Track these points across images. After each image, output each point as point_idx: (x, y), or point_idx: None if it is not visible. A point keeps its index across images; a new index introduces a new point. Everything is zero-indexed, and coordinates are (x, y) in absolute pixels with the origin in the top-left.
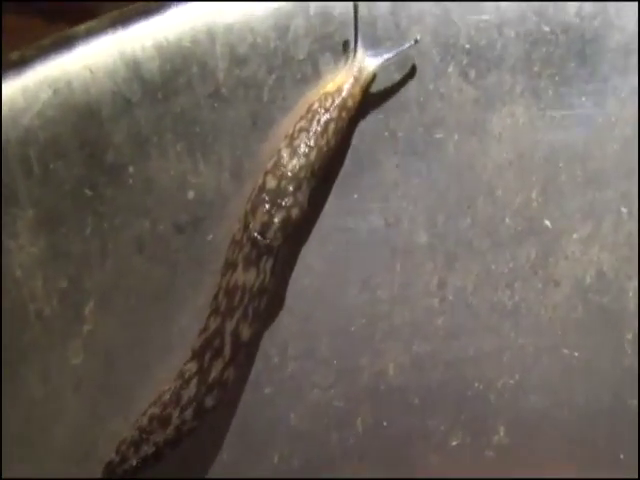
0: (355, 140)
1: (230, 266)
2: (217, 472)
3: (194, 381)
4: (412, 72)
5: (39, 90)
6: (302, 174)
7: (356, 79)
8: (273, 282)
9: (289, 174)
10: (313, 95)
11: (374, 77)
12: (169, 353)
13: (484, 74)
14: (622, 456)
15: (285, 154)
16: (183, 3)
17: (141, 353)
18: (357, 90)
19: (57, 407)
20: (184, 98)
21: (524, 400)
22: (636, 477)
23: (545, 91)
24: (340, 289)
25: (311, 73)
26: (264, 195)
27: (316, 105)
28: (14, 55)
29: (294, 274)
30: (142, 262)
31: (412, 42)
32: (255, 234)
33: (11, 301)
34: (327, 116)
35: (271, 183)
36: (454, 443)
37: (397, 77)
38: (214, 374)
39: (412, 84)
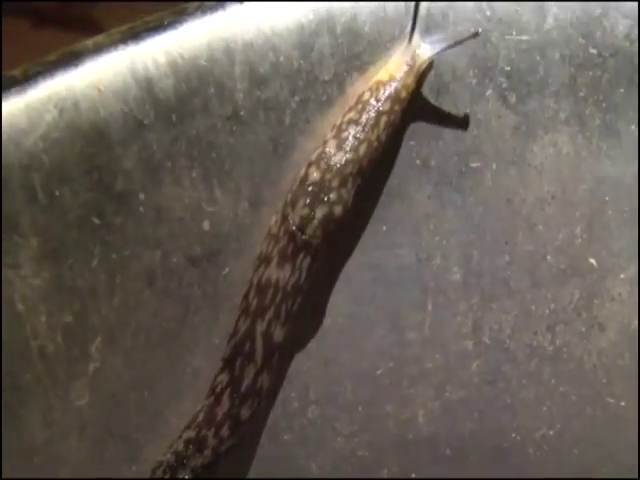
0: (384, 169)
1: (264, 260)
2: None
3: (226, 394)
4: (447, 96)
5: (44, 110)
6: (348, 169)
7: (410, 67)
8: (310, 286)
9: (334, 168)
10: (363, 84)
11: (429, 67)
12: (180, 396)
13: (525, 99)
14: None
15: (331, 146)
16: (200, 16)
17: (150, 396)
18: (411, 79)
19: (60, 452)
20: (200, 120)
21: (565, 453)
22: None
23: (591, 118)
24: (366, 330)
25: (337, 95)
26: (306, 187)
27: (367, 95)
28: (17, 71)
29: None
30: (152, 297)
31: (472, 33)
32: (293, 228)
33: (12, 337)
34: (379, 108)
35: (314, 175)
36: None
37: (431, 100)
38: (247, 382)
39: (447, 109)
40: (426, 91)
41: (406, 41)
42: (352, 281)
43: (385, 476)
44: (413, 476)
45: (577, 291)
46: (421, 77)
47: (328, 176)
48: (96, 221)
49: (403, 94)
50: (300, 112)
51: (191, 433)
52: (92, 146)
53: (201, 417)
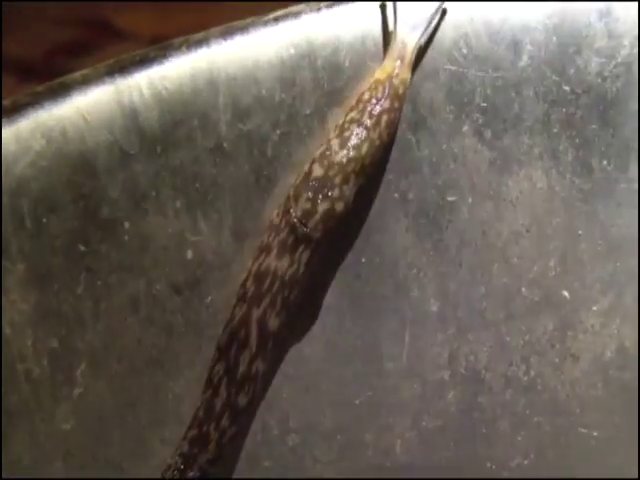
0: (363, 201)
1: (264, 249)
2: None
3: (223, 383)
4: (424, 130)
5: (32, 139)
6: (350, 167)
7: (402, 60)
8: (306, 279)
9: (337, 165)
10: (362, 85)
11: (419, 55)
12: (162, 422)
13: (500, 134)
14: None
15: (334, 144)
16: (185, 51)
17: (133, 421)
18: (406, 73)
19: (45, 476)
20: (184, 152)
21: None
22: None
23: (565, 154)
24: (345, 359)
25: (318, 129)
26: (309, 182)
27: (367, 95)
28: (7, 102)
29: (297, 343)
30: (136, 324)
31: (440, 8)
32: (295, 220)
33: None
34: (379, 107)
35: (318, 171)
36: None
37: (409, 136)
38: (242, 369)
39: (424, 143)
40: (404, 125)
41: (392, 38)
42: (332, 311)
43: None
44: None
45: (551, 323)
46: (414, 68)
47: (331, 173)
48: (82, 248)
49: (401, 90)
50: (282, 145)
51: (194, 432)
52: (79, 175)
53: (201, 413)
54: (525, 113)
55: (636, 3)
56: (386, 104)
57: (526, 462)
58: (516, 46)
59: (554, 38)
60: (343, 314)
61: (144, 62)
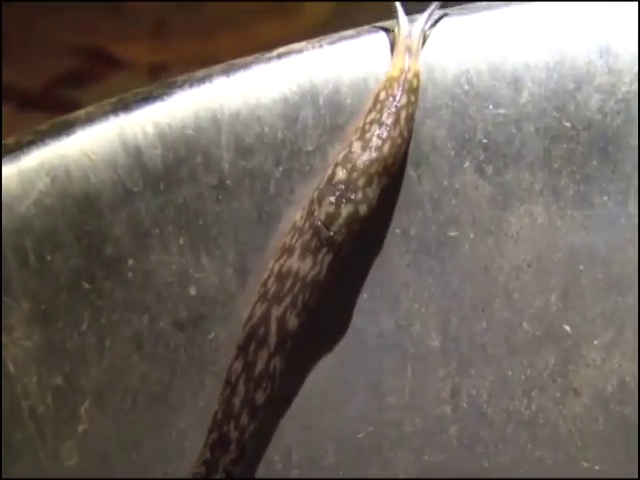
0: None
1: (286, 251)
2: None
3: (241, 380)
4: (426, 166)
5: (36, 177)
6: (374, 169)
7: (410, 52)
8: (328, 282)
9: (360, 168)
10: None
11: (424, 42)
12: (166, 458)
13: (501, 170)
14: None
15: (356, 147)
16: (187, 88)
17: (137, 457)
18: (416, 65)
19: None
20: (187, 189)
21: None
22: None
23: (565, 190)
24: (347, 394)
25: (320, 166)
26: (333, 185)
27: (383, 95)
28: (10, 140)
29: (298, 377)
30: (140, 360)
31: None
32: (319, 223)
33: (4, 397)
34: (397, 104)
35: (340, 175)
36: None
37: (410, 172)
38: (260, 366)
39: (426, 179)
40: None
41: (398, 32)
42: (333, 346)
43: None
44: None
45: (552, 357)
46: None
47: (354, 176)
48: (86, 285)
49: (415, 83)
50: (284, 182)
51: (214, 435)
52: (83, 213)
53: (220, 415)
54: (526, 149)
55: (635, 40)
56: (403, 99)
57: None
58: (517, 83)
59: (554, 75)
60: (345, 349)
61: (147, 100)
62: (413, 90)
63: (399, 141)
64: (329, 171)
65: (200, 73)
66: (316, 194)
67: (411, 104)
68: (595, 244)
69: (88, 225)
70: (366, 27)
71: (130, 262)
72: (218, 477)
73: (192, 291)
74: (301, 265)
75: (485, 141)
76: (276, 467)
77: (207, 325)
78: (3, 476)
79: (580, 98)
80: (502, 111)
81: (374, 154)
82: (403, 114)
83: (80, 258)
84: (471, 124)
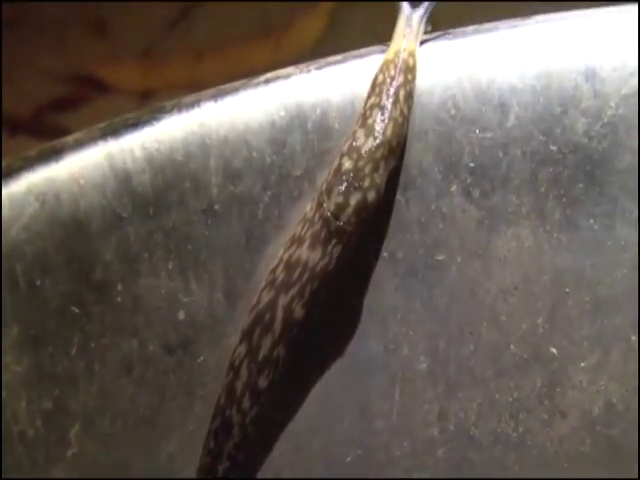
0: (353, 261)
1: (296, 241)
2: None
3: (244, 364)
4: (414, 191)
5: (26, 202)
6: (379, 153)
7: (409, 32)
8: (336, 273)
9: (365, 154)
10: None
11: (425, 26)
12: None
13: (488, 194)
14: None
15: (360, 134)
16: (176, 113)
17: None
18: (413, 45)
19: None
20: (176, 214)
21: None
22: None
23: (552, 213)
24: (336, 417)
25: (308, 190)
26: (340, 176)
27: (380, 77)
28: None
29: (288, 398)
30: (129, 384)
31: None
32: (328, 214)
33: None
34: (395, 84)
35: (347, 165)
36: None
37: (398, 197)
38: (263, 352)
39: (413, 203)
40: (393, 185)
41: (400, 16)
42: (322, 369)
43: None
44: None
45: (539, 379)
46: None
47: (360, 163)
48: (75, 310)
49: (411, 62)
50: (273, 206)
51: (217, 422)
52: (72, 237)
53: (222, 400)
54: (513, 172)
55: (621, 64)
56: (400, 79)
57: None
58: (503, 107)
59: (541, 99)
60: (333, 372)
61: (136, 125)
62: (410, 69)
63: (400, 120)
64: (335, 163)
65: (188, 98)
66: (325, 186)
67: (408, 82)
68: (581, 267)
69: (77, 250)
70: (353, 52)
71: (119, 286)
72: (223, 467)
73: (181, 315)
74: (311, 255)
75: (472, 165)
76: None
77: (196, 349)
78: None
79: (566, 122)
80: (489, 135)
81: (378, 139)
82: (402, 93)
83: (69, 283)
84: (458, 148)
